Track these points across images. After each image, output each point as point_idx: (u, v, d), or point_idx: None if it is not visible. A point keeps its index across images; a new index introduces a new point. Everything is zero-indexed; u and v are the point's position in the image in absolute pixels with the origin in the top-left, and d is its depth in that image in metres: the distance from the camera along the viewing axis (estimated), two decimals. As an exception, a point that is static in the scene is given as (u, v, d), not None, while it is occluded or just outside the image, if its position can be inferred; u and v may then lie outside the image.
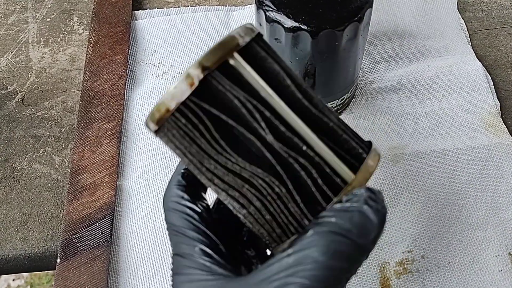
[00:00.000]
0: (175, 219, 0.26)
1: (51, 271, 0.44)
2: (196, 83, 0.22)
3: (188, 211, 0.25)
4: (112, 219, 0.43)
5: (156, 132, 0.24)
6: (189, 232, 0.24)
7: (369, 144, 0.26)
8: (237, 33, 0.23)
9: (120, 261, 0.42)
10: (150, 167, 0.47)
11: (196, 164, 0.23)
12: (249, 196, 0.23)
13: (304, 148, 0.23)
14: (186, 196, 0.26)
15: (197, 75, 0.22)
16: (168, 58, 0.55)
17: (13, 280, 1.09)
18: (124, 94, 0.51)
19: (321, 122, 0.24)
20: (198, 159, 0.23)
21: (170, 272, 0.25)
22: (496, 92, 0.52)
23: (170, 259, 0.42)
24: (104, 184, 0.45)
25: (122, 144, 0.48)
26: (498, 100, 0.51)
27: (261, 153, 0.23)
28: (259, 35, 0.24)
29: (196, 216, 0.25)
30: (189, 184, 0.27)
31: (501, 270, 0.41)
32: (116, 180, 0.45)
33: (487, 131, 0.48)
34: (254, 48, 0.23)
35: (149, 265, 0.42)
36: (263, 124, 0.22)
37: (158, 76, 0.54)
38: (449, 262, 0.41)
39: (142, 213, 0.44)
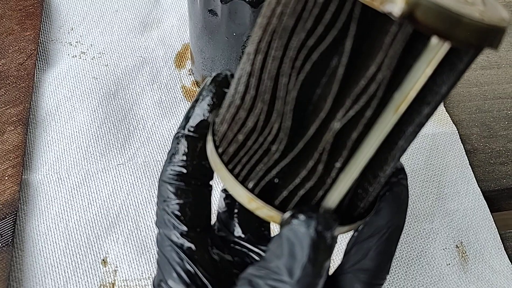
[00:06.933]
0: (167, 253, 0.23)
1: None
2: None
3: (180, 252, 0.23)
4: (15, 218, 0.36)
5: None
6: (178, 268, 0.23)
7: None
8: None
9: (24, 268, 0.35)
10: (63, 158, 0.40)
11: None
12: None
13: (338, 165, 0.19)
14: (183, 228, 0.23)
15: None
16: (87, 37, 0.49)
17: None
18: (33, 76, 0.44)
19: (380, 165, 0.20)
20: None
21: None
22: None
23: (86, 265, 0.36)
24: (6, 178, 0.38)
25: (29, 132, 0.41)
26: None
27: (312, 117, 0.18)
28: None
29: (188, 260, 0.23)
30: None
31: (449, 264, 0.39)
32: (21, 173, 0.39)
33: (431, 120, 0.46)
34: (461, 55, 0.17)
35: (60, 272, 0.35)
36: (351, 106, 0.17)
37: (75, 56, 0.47)
38: (396, 257, 0.39)
39: (53, 212, 0.38)
